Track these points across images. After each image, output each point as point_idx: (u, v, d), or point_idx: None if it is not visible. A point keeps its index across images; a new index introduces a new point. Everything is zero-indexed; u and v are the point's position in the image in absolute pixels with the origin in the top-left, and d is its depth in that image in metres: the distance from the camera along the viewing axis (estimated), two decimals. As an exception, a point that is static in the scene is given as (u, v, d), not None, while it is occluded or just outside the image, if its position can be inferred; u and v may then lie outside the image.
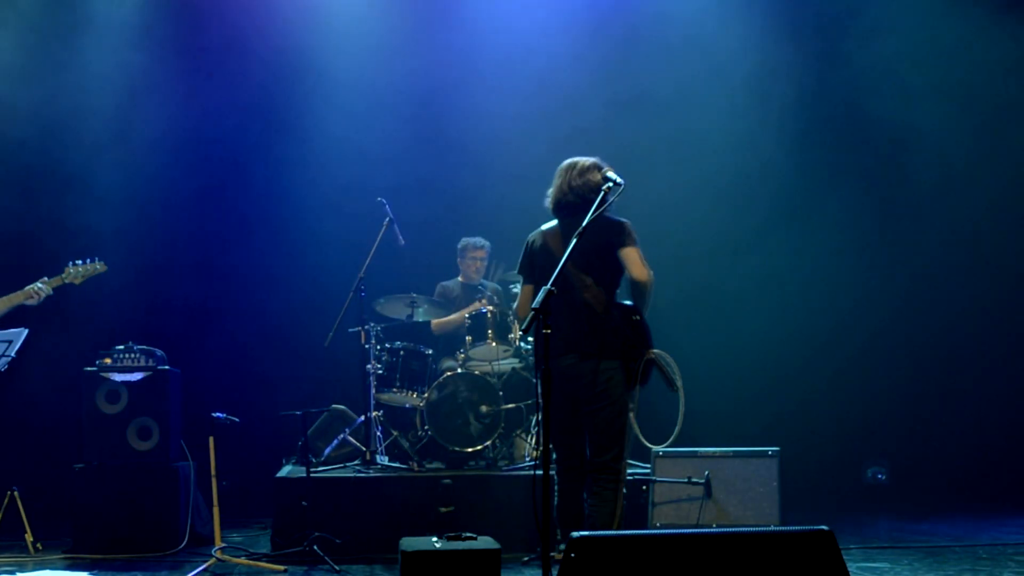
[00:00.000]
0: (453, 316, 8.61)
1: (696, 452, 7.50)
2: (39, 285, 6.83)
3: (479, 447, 7.80)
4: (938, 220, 10.06)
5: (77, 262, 7.05)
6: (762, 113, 9.94)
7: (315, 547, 6.78)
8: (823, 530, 4.55)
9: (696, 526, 7.23)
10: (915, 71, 9.86)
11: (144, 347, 7.67)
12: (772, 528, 6.64)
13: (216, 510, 6.76)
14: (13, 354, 6.44)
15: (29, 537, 7.20)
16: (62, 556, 7.14)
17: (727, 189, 9.91)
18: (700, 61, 9.90)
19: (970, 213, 10.04)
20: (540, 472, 4.61)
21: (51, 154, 9.15)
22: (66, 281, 7.00)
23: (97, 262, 7.14)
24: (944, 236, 10.07)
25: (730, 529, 6.64)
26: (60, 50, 9.22)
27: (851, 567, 4.62)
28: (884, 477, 9.92)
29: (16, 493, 7.14)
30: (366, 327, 8.08)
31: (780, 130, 9.97)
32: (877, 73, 9.92)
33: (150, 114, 9.35)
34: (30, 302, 6.83)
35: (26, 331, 6.43)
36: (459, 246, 8.91)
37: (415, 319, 8.42)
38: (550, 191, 5.92)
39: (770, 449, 7.50)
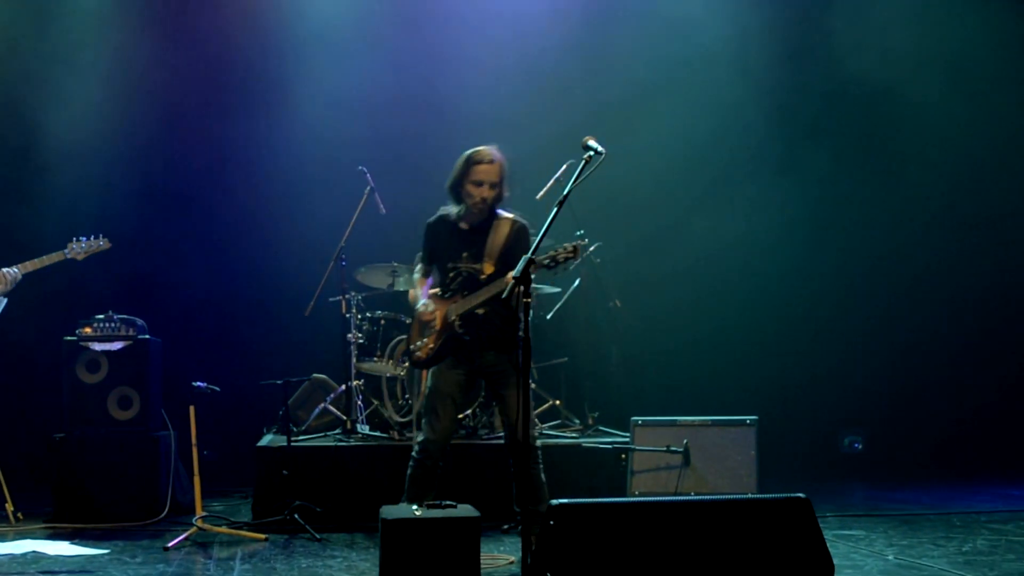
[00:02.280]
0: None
1: (675, 421, 7.54)
2: (14, 270, 6.77)
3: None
4: (917, 188, 10.09)
5: (80, 239, 7.01)
6: (743, 76, 9.91)
7: (296, 516, 6.80)
8: (800, 498, 4.61)
9: (675, 494, 7.27)
10: (900, 37, 9.87)
11: (124, 316, 7.65)
12: (750, 496, 6.71)
13: (197, 479, 6.76)
14: (-8, 324, 6.40)
15: (10, 507, 7.18)
16: (43, 526, 7.15)
17: (704, 155, 9.90)
18: (681, 27, 9.87)
19: (951, 181, 10.07)
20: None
21: (26, 126, 9.08)
22: (68, 257, 6.97)
23: (101, 239, 7.11)
24: (923, 204, 10.11)
25: (708, 497, 6.69)
26: (34, 24, 9.13)
27: (827, 534, 4.67)
28: (860, 446, 10.00)
29: (-5, 463, 7.16)
30: (347, 296, 8.07)
31: (759, 93, 9.96)
32: (859, 36, 9.91)
33: (129, 86, 9.30)
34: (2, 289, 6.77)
35: (5, 300, 6.41)
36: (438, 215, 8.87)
37: (396, 288, 8.41)
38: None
39: (748, 418, 7.54)
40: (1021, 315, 10.16)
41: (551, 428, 8.24)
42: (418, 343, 6.10)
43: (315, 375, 8.51)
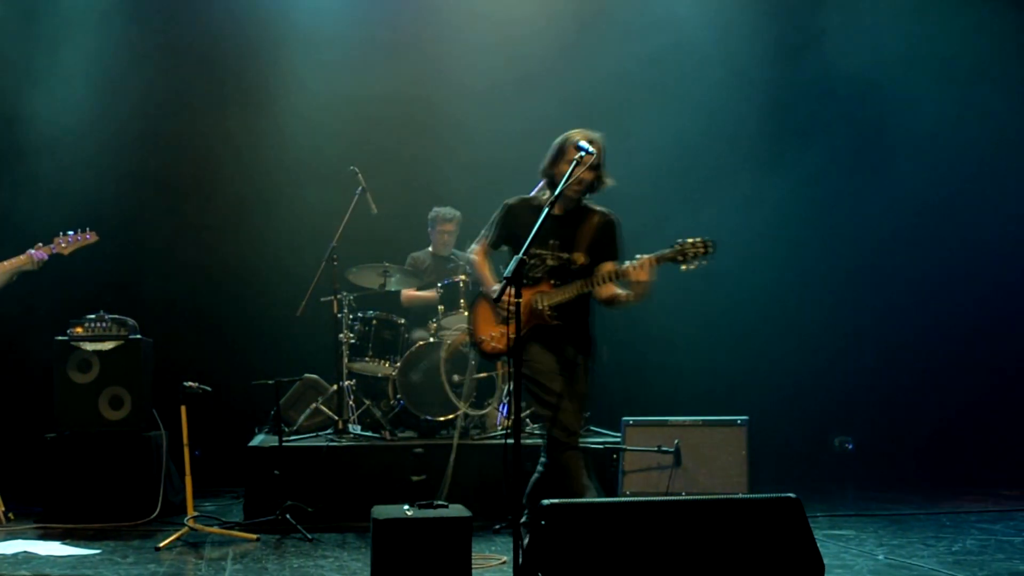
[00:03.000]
0: (423, 293, 8.61)
1: (666, 421, 7.56)
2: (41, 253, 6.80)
3: (451, 416, 7.83)
4: (909, 188, 10.08)
5: (68, 232, 7.00)
6: (733, 74, 9.94)
7: (288, 516, 6.80)
8: (790, 498, 4.62)
9: (666, 494, 7.29)
10: (891, 34, 9.91)
11: (116, 316, 7.64)
12: (740, 496, 6.73)
13: (188, 479, 6.76)
14: (-17, 323, 6.40)
15: (0, 507, 7.19)
16: (33, 526, 7.14)
17: (693, 153, 9.90)
18: (670, 24, 9.91)
19: (943, 180, 10.06)
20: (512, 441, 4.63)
21: (19, 124, 9.07)
22: (55, 251, 6.96)
23: (88, 232, 7.10)
24: (915, 204, 10.10)
25: (699, 497, 6.70)
26: (24, 18, 9.12)
27: (817, 534, 4.68)
28: (851, 447, 10.02)
29: (-13, 463, 7.15)
30: (339, 296, 8.08)
31: (751, 91, 10.00)
32: (851, 33, 9.95)
33: (119, 84, 9.27)
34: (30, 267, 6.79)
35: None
36: (429, 216, 8.90)
37: (388, 288, 8.41)
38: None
39: (739, 418, 7.56)
40: (1012, 315, 10.17)
41: (542, 427, 8.23)
42: (492, 333, 5.77)
43: (307, 375, 8.51)
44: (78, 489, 7.30)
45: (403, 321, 8.29)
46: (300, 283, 8.19)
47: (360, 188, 8.28)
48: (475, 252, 5.94)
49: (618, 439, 7.63)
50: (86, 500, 7.27)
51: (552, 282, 5.64)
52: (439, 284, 8.21)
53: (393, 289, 8.51)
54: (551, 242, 5.65)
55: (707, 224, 9.60)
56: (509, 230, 5.75)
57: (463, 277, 8.09)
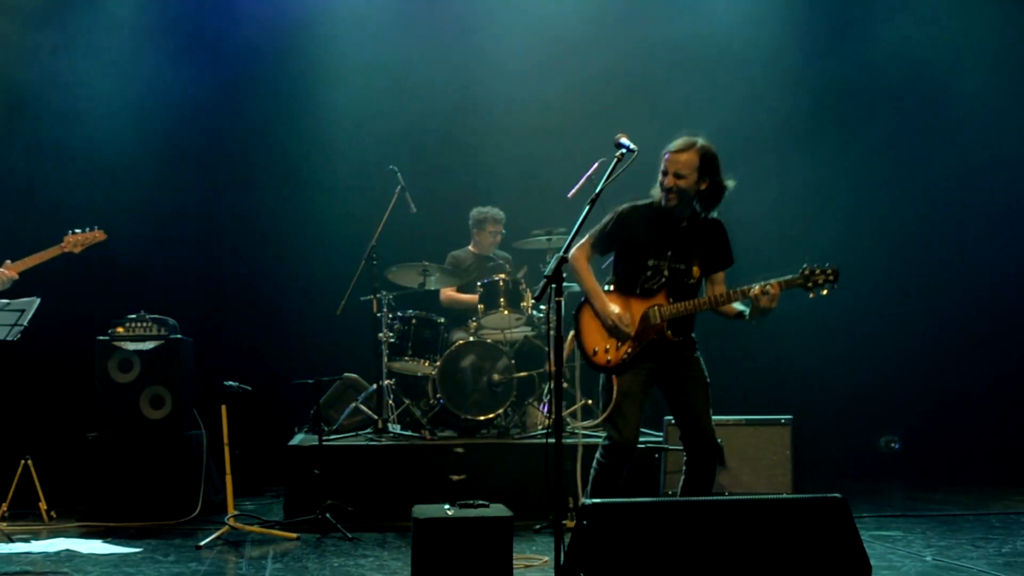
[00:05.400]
0: (464, 296, 8.56)
1: (709, 420, 7.46)
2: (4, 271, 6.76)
3: (491, 415, 7.80)
4: (958, 178, 9.93)
5: (76, 231, 7.01)
6: (776, 55, 9.90)
7: (327, 515, 6.80)
8: (836, 498, 4.55)
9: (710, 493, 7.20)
10: (940, 15, 9.81)
11: (156, 316, 7.68)
12: (785, 495, 6.64)
13: (229, 478, 6.77)
14: (26, 323, 6.41)
15: (43, 505, 7.25)
16: (76, 524, 7.18)
17: (743, 146, 9.78)
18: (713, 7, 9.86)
19: (992, 171, 9.90)
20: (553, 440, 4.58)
21: (61, 124, 9.12)
22: (65, 250, 6.97)
23: (96, 230, 7.09)
24: (965, 195, 9.95)
25: (743, 496, 6.62)
26: (63, 23, 9.18)
27: (864, 535, 4.60)
28: (898, 446, 9.89)
29: (30, 462, 7.19)
30: (378, 295, 8.06)
31: (793, 75, 9.95)
32: (898, 12, 9.86)
33: (162, 85, 9.32)
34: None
35: (38, 300, 6.41)
36: (477, 218, 8.81)
37: (427, 287, 8.39)
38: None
39: (783, 417, 7.47)
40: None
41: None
42: (606, 347, 5.58)
43: (346, 374, 8.51)
44: (119, 488, 7.33)
45: (443, 320, 8.26)
46: (340, 282, 8.18)
47: (399, 187, 8.27)
48: (577, 258, 5.70)
49: (660, 439, 7.56)
50: (127, 499, 7.30)
51: (669, 295, 5.55)
52: (479, 283, 8.17)
53: (432, 288, 8.47)
54: (668, 252, 5.57)
55: (751, 216, 9.58)
56: (618, 237, 5.61)
57: (503, 276, 8.05)
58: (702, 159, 5.50)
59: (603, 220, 5.68)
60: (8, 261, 6.78)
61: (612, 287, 5.68)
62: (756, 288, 5.36)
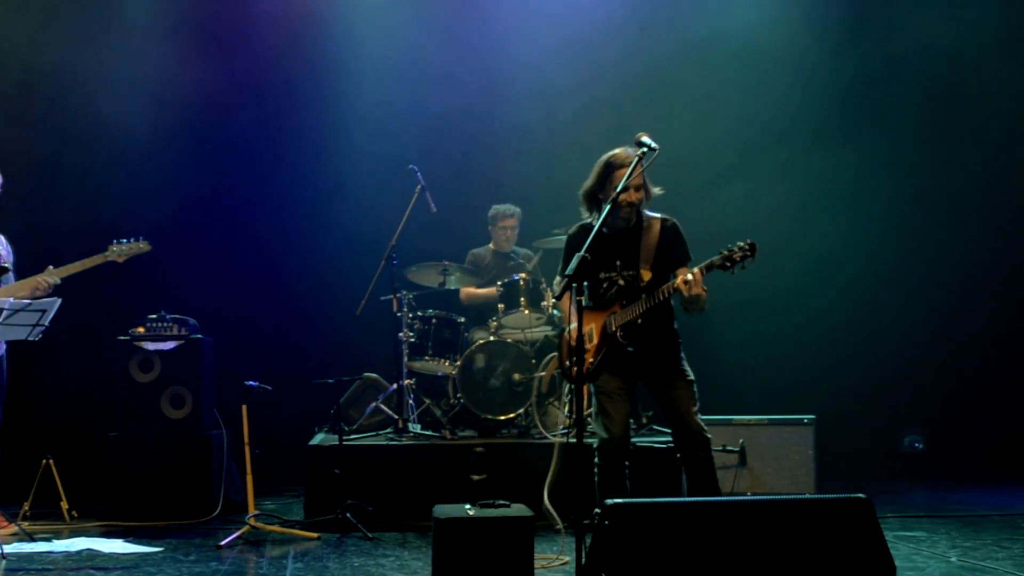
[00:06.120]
0: (483, 290, 8.55)
1: (731, 420, 7.44)
2: (47, 278, 6.82)
3: (511, 415, 7.78)
4: (983, 173, 9.85)
5: (121, 241, 7.06)
6: (800, 49, 9.84)
7: (348, 515, 6.79)
8: (860, 498, 4.50)
9: (731, 494, 7.17)
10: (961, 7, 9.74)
11: (177, 316, 7.70)
12: (809, 496, 6.60)
13: (249, 478, 6.77)
14: (47, 324, 6.44)
15: (64, 505, 7.26)
16: (97, 524, 7.20)
17: (763, 141, 9.76)
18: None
19: (1018, 168, 9.82)
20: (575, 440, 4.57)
21: (83, 129, 9.16)
22: (109, 259, 7.02)
23: (141, 241, 7.14)
24: (988, 191, 9.86)
25: (765, 497, 6.58)
26: (86, 28, 9.22)
27: (888, 535, 4.55)
28: (921, 445, 9.82)
29: (51, 461, 7.21)
30: (398, 295, 8.05)
31: (817, 70, 9.87)
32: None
33: (181, 84, 9.32)
34: (37, 293, 6.82)
35: (59, 301, 6.43)
36: (489, 214, 8.85)
37: (447, 287, 8.38)
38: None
39: (806, 417, 7.43)
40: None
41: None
42: (574, 359, 5.66)
43: (366, 374, 8.50)
44: (140, 487, 7.35)
45: (463, 319, 8.25)
46: (359, 282, 8.17)
47: (419, 186, 8.25)
48: (556, 290, 5.98)
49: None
50: (148, 498, 7.32)
51: (622, 302, 5.70)
52: (499, 282, 8.15)
53: (452, 287, 8.46)
54: (616, 262, 5.73)
55: (775, 216, 9.56)
56: (570, 256, 5.66)
57: (524, 275, 8.04)
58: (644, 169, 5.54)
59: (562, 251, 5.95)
60: (51, 267, 6.83)
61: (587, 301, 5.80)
62: (678, 280, 5.45)
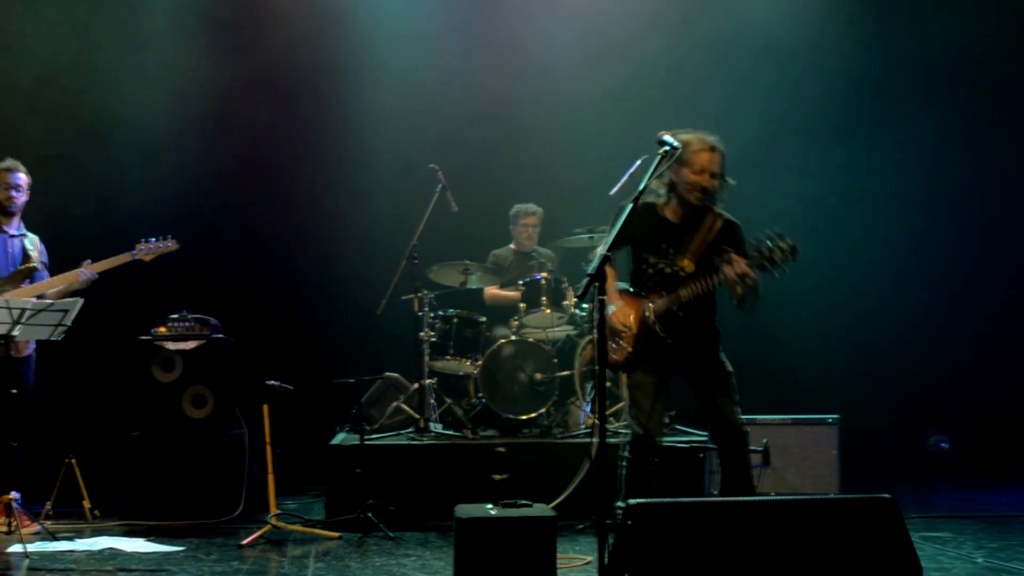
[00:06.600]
0: (507, 292, 8.52)
1: (754, 419, 7.37)
2: (84, 272, 6.87)
3: (533, 414, 7.75)
4: (1018, 176, 9.76)
5: (149, 240, 7.08)
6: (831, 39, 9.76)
7: (369, 514, 6.77)
8: (886, 498, 4.46)
9: (754, 494, 7.11)
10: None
11: (198, 315, 7.70)
12: (834, 496, 6.55)
13: (271, 477, 6.77)
14: (69, 323, 6.47)
15: (86, 504, 7.29)
16: (119, 523, 7.20)
17: (787, 137, 9.69)
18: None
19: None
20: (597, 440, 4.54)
21: (103, 123, 9.18)
22: (136, 258, 7.04)
23: (170, 240, 7.16)
24: (1015, 183, 9.78)
25: (789, 497, 6.53)
26: (105, 22, 9.25)
27: (913, 536, 4.50)
28: (947, 445, 9.73)
29: (74, 461, 7.24)
30: (419, 294, 8.04)
31: (842, 66, 9.80)
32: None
33: (202, 82, 9.34)
34: (75, 287, 6.88)
35: (81, 301, 6.46)
36: (511, 213, 8.83)
37: (468, 286, 8.36)
38: None
39: (830, 417, 7.36)
40: None
41: (627, 427, 8.12)
42: (612, 346, 5.62)
43: (388, 373, 8.48)
44: (162, 487, 7.36)
45: (484, 319, 8.22)
46: (381, 282, 8.17)
47: (440, 186, 8.24)
48: (597, 257, 5.70)
49: (705, 438, 7.47)
50: (170, 498, 7.32)
51: (660, 292, 5.58)
52: (521, 281, 8.12)
53: (474, 287, 8.44)
54: (663, 247, 5.61)
55: (799, 214, 9.48)
56: (625, 231, 5.25)
57: (545, 274, 8.02)
58: (723, 157, 5.51)
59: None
60: (88, 260, 6.87)
61: (627, 286, 5.75)
62: (728, 272, 5.33)
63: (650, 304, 5.58)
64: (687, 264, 5.57)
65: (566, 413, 7.97)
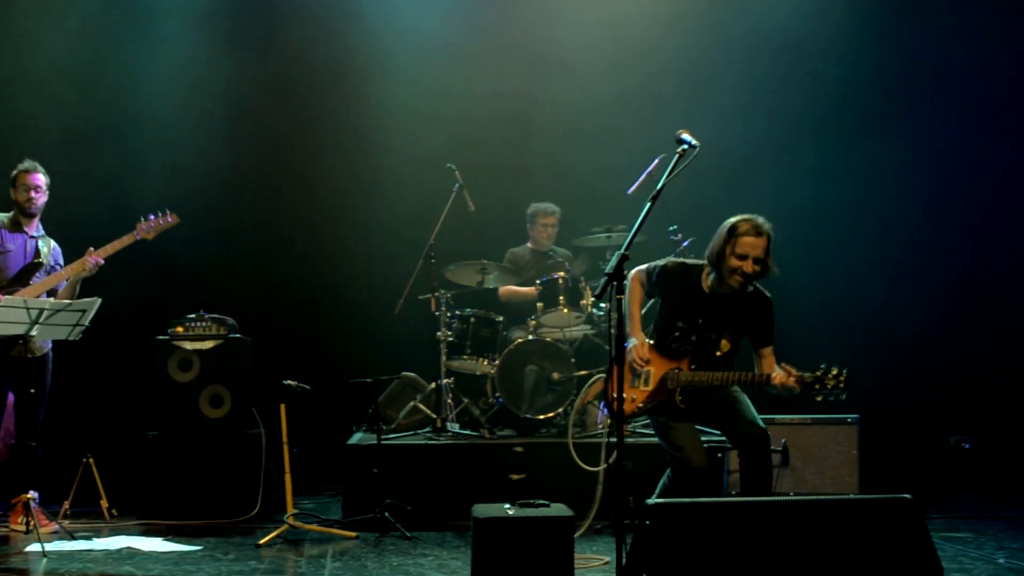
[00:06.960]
0: (523, 288, 8.50)
1: (773, 419, 7.34)
2: (90, 259, 6.88)
3: (551, 414, 7.73)
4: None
5: (149, 216, 7.08)
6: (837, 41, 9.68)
7: (386, 514, 6.77)
8: (906, 498, 4.43)
9: (774, 494, 7.07)
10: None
11: (215, 315, 7.71)
12: (854, 496, 6.51)
13: (288, 477, 6.78)
14: (87, 323, 6.49)
15: (104, 503, 7.31)
16: (136, 522, 7.23)
17: (806, 135, 9.63)
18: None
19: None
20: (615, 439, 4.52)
21: (118, 121, 9.20)
22: (138, 238, 7.04)
23: (168, 214, 7.15)
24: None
25: (809, 497, 6.50)
26: (126, 18, 9.26)
27: (934, 536, 4.48)
28: (968, 445, 9.65)
29: (91, 460, 7.27)
30: (436, 294, 8.02)
31: (860, 63, 9.71)
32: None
33: (218, 80, 9.33)
34: (83, 275, 6.89)
35: (99, 300, 6.47)
36: (529, 212, 8.80)
37: (486, 286, 8.34)
38: None
39: (849, 416, 7.32)
40: None
41: (644, 427, 8.08)
42: (628, 394, 5.58)
43: (405, 373, 8.47)
44: (180, 486, 7.38)
45: (501, 319, 8.20)
46: (398, 281, 8.16)
47: (457, 185, 8.23)
48: (634, 277, 5.80)
49: (723, 438, 7.42)
50: (187, 497, 7.34)
51: (691, 362, 5.58)
52: (538, 281, 8.10)
53: (491, 286, 8.42)
54: (699, 320, 5.58)
55: (809, 212, 9.44)
56: (661, 289, 5.69)
57: (562, 274, 8.00)
58: (770, 241, 5.48)
59: (657, 264, 5.75)
60: (91, 248, 6.88)
61: (652, 336, 5.74)
62: (775, 378, 5.47)
63: (678, 372, 5.56)
64: (724, 343, 5.58)
65: (583, 413, 7.94)
